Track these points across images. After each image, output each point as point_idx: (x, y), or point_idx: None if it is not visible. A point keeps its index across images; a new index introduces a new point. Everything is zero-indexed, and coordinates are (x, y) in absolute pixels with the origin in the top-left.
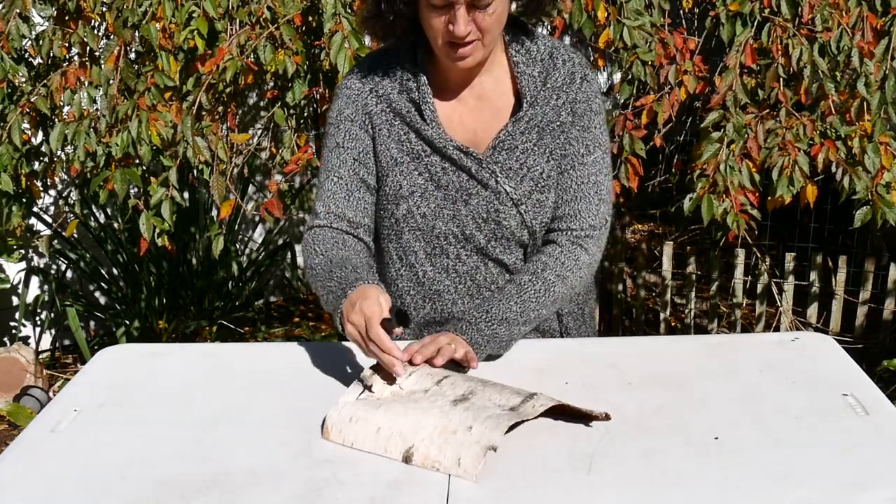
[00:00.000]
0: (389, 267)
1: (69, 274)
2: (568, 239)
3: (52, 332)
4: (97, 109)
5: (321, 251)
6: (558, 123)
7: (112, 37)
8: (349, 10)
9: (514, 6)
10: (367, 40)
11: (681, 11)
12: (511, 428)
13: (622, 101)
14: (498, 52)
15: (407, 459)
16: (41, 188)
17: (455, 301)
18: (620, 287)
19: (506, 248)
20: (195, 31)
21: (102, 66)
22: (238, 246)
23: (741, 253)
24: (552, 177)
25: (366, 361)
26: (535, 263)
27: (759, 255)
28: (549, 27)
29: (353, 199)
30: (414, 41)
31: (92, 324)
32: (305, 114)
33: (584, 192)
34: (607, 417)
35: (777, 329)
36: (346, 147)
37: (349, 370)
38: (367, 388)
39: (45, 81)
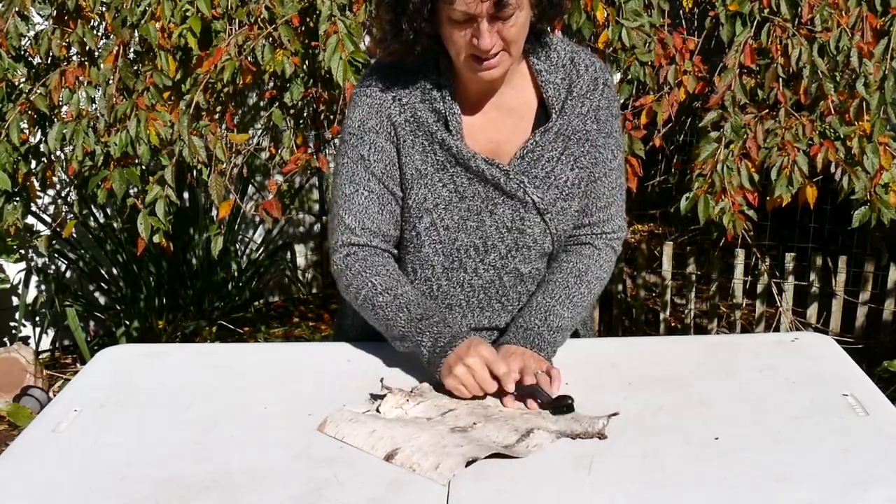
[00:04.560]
0: None
1: (69, 274)
2: (604, 242)
3: (52, 332)
4: (95, 109)
5: (381, 286)
6: (584, 132)
7: (111, 36)
8: (350, 12)
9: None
10: (364, 42)
11: (680, 11)
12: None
13: (622, 101)
14: (518, 62)
15: (389, 457)
16: (39, 188)
17: (465, 314)
18: (620, 287)
19: (525, 258)
20: (188, 30)
21: (101, 66)
22: (238, 246)
23: (741, 253)
24: (576, 185)
25: (367, 363)
26: (576, 266)
27: (759, 256)
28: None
29: (386, 213)
30: (436, 50)
31: (92, 324)
32: (304, 114)
33: (614, 197)
34: (603, 436)
35: (777, 329)
36: (373, 159)
37: (349, 370)
38: (376, 408)
39: (43, 80)
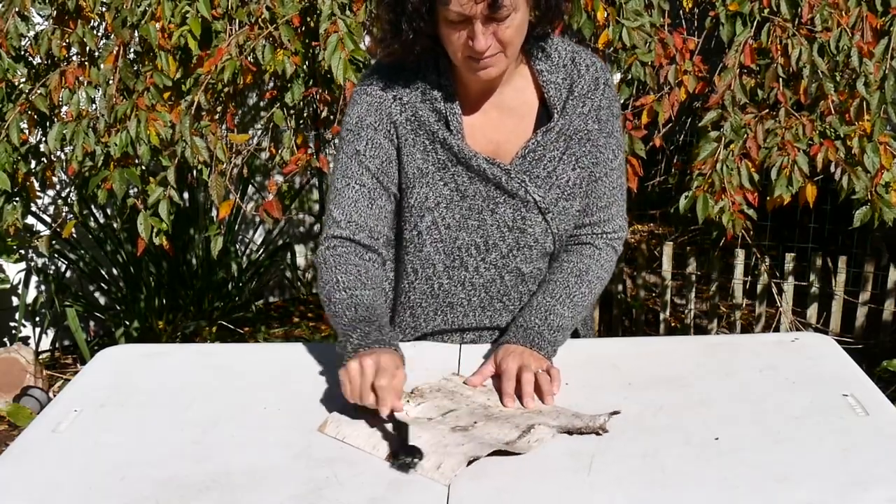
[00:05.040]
0: (403, 279)
1: (69, 274)
2: (604, 241)
3: (52, 332)
4: (95, 109)
5: (343, 284)
6: (585, 132)
7: (111, 36)
8: (349, 12)
9: (532, 14)
10: (364, 42)
11: (681, 11)
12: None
13: (622, 101)
14: (519, 61)
15: (390, 458)
16: (39, 188)
17: (466, 313)
18: (620, 287)
19: (527, 257)
20: (188, 32)
21: (101, 66)
22: (238, 246)
23: (741, 253)
24: (577, 184)
25: None
26: (577, 265)
27: (758, 256)
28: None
29: (376, 208)
30: (436, 50)
31: (92, 324)
32: (305, 114)
33: (615, 197)
34: (604, 430)
35: (777, 329)
36: (368, 155)
37: None
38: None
39: (43, 81)
